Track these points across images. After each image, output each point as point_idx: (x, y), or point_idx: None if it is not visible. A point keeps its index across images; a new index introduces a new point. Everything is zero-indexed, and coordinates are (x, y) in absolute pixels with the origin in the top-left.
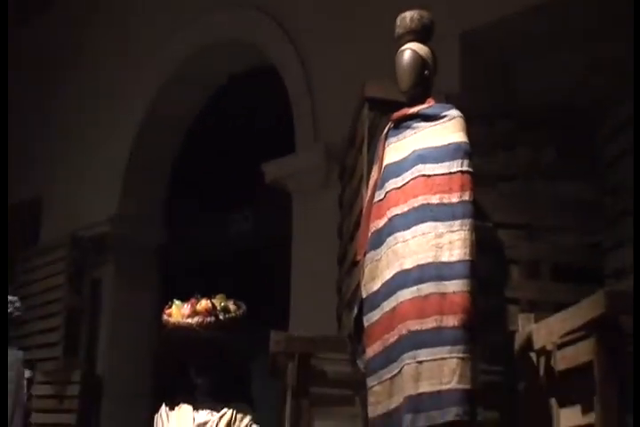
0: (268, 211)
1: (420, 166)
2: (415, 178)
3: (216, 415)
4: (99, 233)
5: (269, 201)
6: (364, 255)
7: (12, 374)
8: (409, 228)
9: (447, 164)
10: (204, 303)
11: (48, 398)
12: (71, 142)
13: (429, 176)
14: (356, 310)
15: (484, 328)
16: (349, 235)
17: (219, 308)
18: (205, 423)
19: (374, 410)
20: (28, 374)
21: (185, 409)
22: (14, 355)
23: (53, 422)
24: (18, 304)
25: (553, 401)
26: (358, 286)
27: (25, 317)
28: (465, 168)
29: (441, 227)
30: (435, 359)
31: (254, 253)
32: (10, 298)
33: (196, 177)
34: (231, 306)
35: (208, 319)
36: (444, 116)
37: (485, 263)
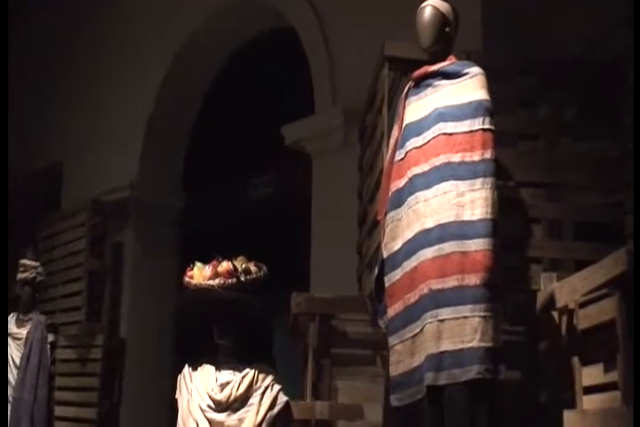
0: (287, 174)
1: (441, 125)
2: (436, 136)
3: (238, 375)
4: (119, 198)
5: (289, 164)
6: (385, 215)
7: (36, 338)
8: (430, 187)
9: (469, 122)
10: (225, 265)
11: (71, 362)
12: (91, 107)
13: (451, 134)
14: (376, 271)
15: (505, 287)
16: (369, 196)
17: (240, 269)
18: (228, 383)
19: (396, 369)
20: (51, 338)
21: (208, 370)
22: (38, 319)
23: (77, 386)
24: (40, 269)
25: (575, 360)
26: (379, 247)
27: (48, 282)
28: (487, 126)
29: (462, 186)
30: (457, 318)
31: (274, 216)
32: (32, 263)
33: (215, 141)
34: (252, 268)
35: (229, 281)
36: (466, 74)
37: (507, 222)
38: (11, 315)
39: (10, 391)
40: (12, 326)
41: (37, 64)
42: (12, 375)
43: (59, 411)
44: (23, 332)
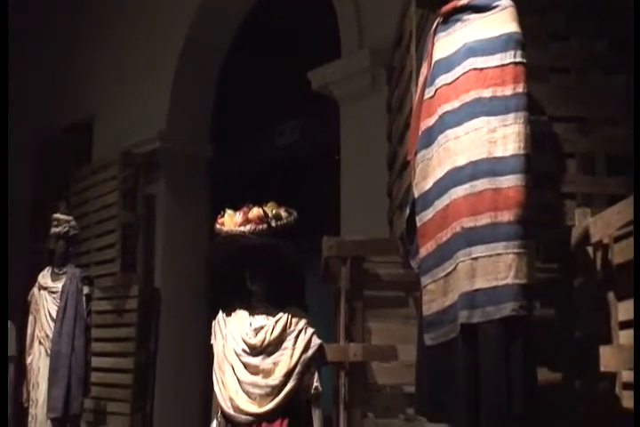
0: (315, 119)
1: (471, 60)
2: (466, 72)
3: (272, 320)
4: (149, 150)
5: (316, 110)
6: (415, 155)
7: (71, 291)
8: (461, 124)
9: (499, 55)
10: (255, 211)
11: (107, 313)
12: (119, 60)
13: (481, 69)
14: (408, 211)
15: (539, 224)
16: (399, 137)
17: (270, 215)
18: (262, 328)
19: (429, 308)
20: (86, 290)
21: (241, 315)
22: (72, 272)
23: (113, 337)
24: (73, 223)
25: (611, 295)
26: (409, 187)
27: (81, 235)
28: (518, 59)
29: (494, 121)
30: (490, 255)
31: (303, 162)
32: (65, 217)
33: (242, 90)
34: (282, 213)
35: (260, 227)
36: (495, 7)
37: (540, 158)
38: (46, 269)
39: (47, 344)
40: (47, 280)
41: (66, 20)
42: (50, 328)
43: (96, 362)
44: (58, 285)
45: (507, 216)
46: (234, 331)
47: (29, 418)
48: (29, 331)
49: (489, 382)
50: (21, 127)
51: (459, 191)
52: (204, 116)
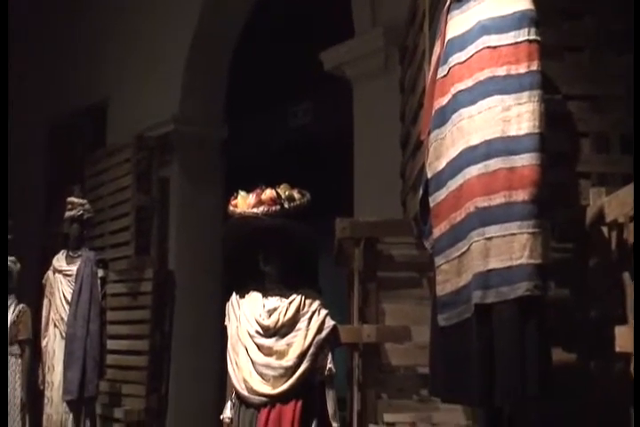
0: (327, 100)
1: (484, 38)
2: (480, 50)
3: (285, 301)
4: (163, 132)
5: (329, 91)
6: (428, 134)
7: (86, 274)
8: (474, 103)
9: (513, 33)
10: (268, 193)
11: (122, 296)
12: (131, 44)
13: (495, 47)
14: (421, 191)
15: (553, 204)
16: (412, 117)
17: (283, 196)
18: (275, 309)
19: (442, 289)
20: (101, 273)
21: (255, 297)
22: (87, 255)
23: (129, 319)
24: (87, 206)
25: (626, 275)
26: (423, 167)
27: (96, 218)
28: (532, 37)
29: (508, 100)
30: (504, 235)
31: (316, 143)
32: (79, 201)
33: (254, 71)
34: (295, 194)
35: (273, 208)
36: None
37: (554, 137)
38: (60, 252)
39: (62, 327)
40: (62, 263)
41: (80, 4)
42: (65, 311)
43: (111, 344)
44: (73, 268)
45: (521, 195)
46: (247, 312)
47: (45, 401)
48: (44, 314)
49: (503, 362)
50: (35, 112)
51: (472, 171)
52: (217, 99)
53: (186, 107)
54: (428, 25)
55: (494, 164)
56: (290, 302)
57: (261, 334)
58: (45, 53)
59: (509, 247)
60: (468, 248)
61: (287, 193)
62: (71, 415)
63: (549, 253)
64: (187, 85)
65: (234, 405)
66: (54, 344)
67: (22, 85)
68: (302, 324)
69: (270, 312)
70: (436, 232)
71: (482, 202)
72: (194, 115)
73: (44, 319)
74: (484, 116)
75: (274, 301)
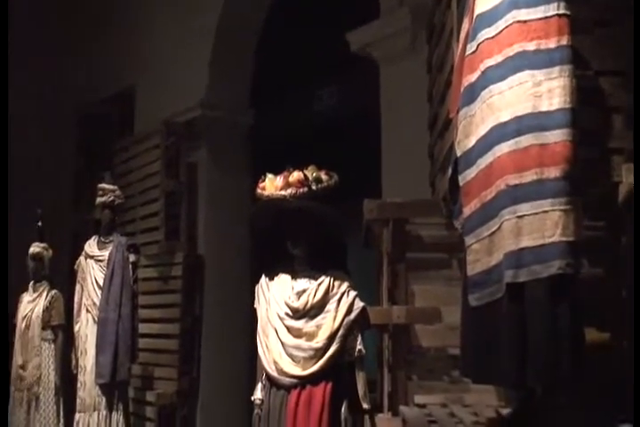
0: (354, 83)
1: (514, 12)
2: (509, 25)
3: (314, 283)
4: (190, 118)
5: (355, 73)
6: (457, 112)
7: (117, 259)
8: (504, 78)
9: (542, 7)
10: (296, 175)
11: (153, 280)
12: (158, 31)
13: (525, 22)
14: (450, 171)
15: (585, 181)
16: (440, 97)
17: (311, 178)
18: (304, 291)
19: (473, 268)
20: (132, 258)
21: (284, 279)
22: (118, 241)
23: (160, 303)
24: (118, 193)
25: None
26: (452, 146)
27: (126, 204)
28: (562, 11)
29: (539, 75)
30: (536, 213)
31: (344, 126)
32: (110, 187)
33: (281, 55)
34: (323, 176)
35: (301, 190)
36: None
37: (586, 113)
38: (92, 238)
39: (95, 312)
40: (93, 249)
41: None
42: (97, 296)
43: (143, 328)
44: (105, 253)
45: (553, 172)
46: (277, 295)
47: (78, 385)
48: (77, 299)
49: (535, 342)
50: (65, 101)
51: (503, 148)
52: (243, 83)
53: (212, 92)
54: (456, 2)
55: (525, 140)
56: (319, 284)
57: (291, 316)
58: (73, 41)
59: (541, 225)
60: (499, 227)
61: (315, 175)
62: (104, 399)
63: (582, 231)
64: (213, 70)
65: (264, 386)
66: (87, 329)
67: (51, 74)
68: (331, 305)
69: (299, 294)
70: (466, 211)
71: (513, 179)
72: (220, 100)
73: (76, 305)
74: (515, 91)
75: (303, 283)
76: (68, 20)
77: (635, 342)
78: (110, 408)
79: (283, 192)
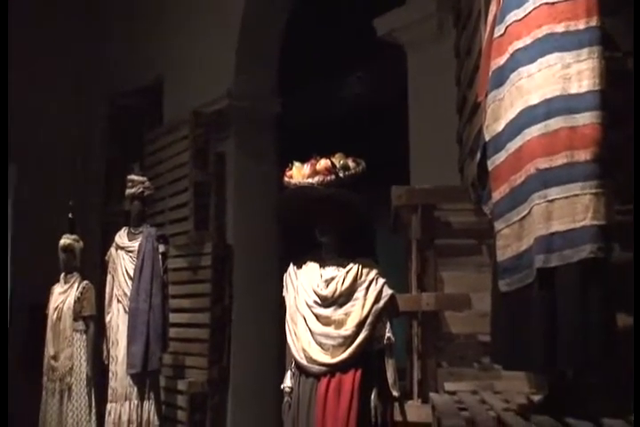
0: (382, 68)
1: None
2: (537, 7)
3: (342, 271)
4: (218, 108)
5: (382, 59)
6: (486, 96)
7: (147, 250)
8: (533, 61)
9: None
10: (323, 163)
11: (183, 271)
12: (184, 21)
13: (553, 3)
14: (479, 155)
15: (616, 163)
16: (468, 81)
17: (338, 166)
18: (333, 279)
19: (503, 254)
20: (162, 248)
21: (312, 267)
22: (148, 231)
23: (189, 293)
24: (147, 184)
25: None
26: (480, 131)
27: (156, 195)
28: None
29: (568, 57)
30: (566, 197)
31: (370, 112)
32: (139, 178)
33: (307, 42)
34: (350, 163)
35: (328, 178)
36: None
37: (617, 95)
38: (122, 229)
39: (125, 302)
40: (124, 240)
41: None
42: (127, 286)
43: (173, 318)
44: (135, 244)
45: (583, 155)
46: (305, 283)
47: (110, 375)
48: (108, 290)
49: (566, 327)
50: (93, 91)
51: (532, 131)
52: (271, 72)
53: (240, 82)
54: None
55: (555, 123)
56: (347, 272)
57: (319, 304)
58: (102, 33)
59: (572, 209)
60: (529, 211)
61: (342, 162)
62: (135, 388)
63: (613, 215)
64: (240, 60)
65: (293, 374)
66: (118, 319)
67: (81, 67)
68: (360, 293)
69: (328, 282)
70: (496, 196)
71: (543, 163)
72: (248, 89)
73: (107, 295)
74: (544, 73)
75: (331, 270)
76: (95, 11)
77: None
78: (142, 398)
79: (310, 180)
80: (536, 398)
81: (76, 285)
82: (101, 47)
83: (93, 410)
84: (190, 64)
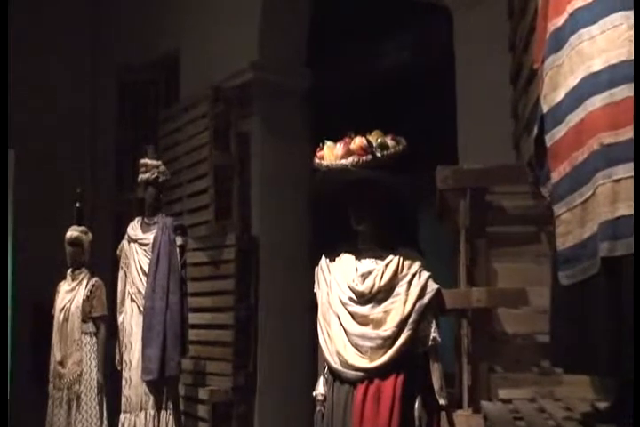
0: (425, 33)
1: None
2: None
3: (381, 264)
4: (241, 82)
5: (426, 22)
6: (543, 62)
7: (163, 242)
8: (596, 22)
9: None
10: (358, 141)
11: (203, 265)
12: None
13: None
14: (536, 130)
15: None
16: (523, 45)
17: (375, 144)
18: (370, 273)
19: (564, 242)
20: (179, 240)
21: (347, 259)
22: (164, 222)
23: (211, 290)
24: (162, 168)
25: None
26: (537, 102)
27: (172, 181)
28: None
29: (634, 15)
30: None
31: (412, 84)
32: (153, 162)
33: (339, 7)
34: (389, 142)
35: (364, 158)
36: None
37: None
38: (135, 220)
39: (140, 301)
40: (137, 232)
41: None
42: (142, 283)
43: (193, 318)
44: (149, 236)
45: None
46: (339, 277)
47: (123, 382)
48: (120, 287)
49: (635, 325)
50: (102, 66)
51: (595, 102)
52: (298, 41)
53: (265, 52)
54: None
55: (620, 92)
56: (386, 265)
57: (355, 301)
58: (114, 5)
59: None
60: (593, 193)
61: (379, 140)
62: (151, 397)
63: None
64: (264, 29)
65: (327, 381)
66: (132, 320)
67: (88, 39)
68: (401, 288)
69: (364, 276)
70: (555, 176)
71: (607, 138)
72: (274, 61)
73: (119, 293)
74: (608, 35)
75: (368, 263)
76: None
77: None
78: (159, 407)
79: (344, 161)
80: (602, 405)
81: (84, 282)
82: (109, 18)
83: (105, 422)
84: (209, 34)
